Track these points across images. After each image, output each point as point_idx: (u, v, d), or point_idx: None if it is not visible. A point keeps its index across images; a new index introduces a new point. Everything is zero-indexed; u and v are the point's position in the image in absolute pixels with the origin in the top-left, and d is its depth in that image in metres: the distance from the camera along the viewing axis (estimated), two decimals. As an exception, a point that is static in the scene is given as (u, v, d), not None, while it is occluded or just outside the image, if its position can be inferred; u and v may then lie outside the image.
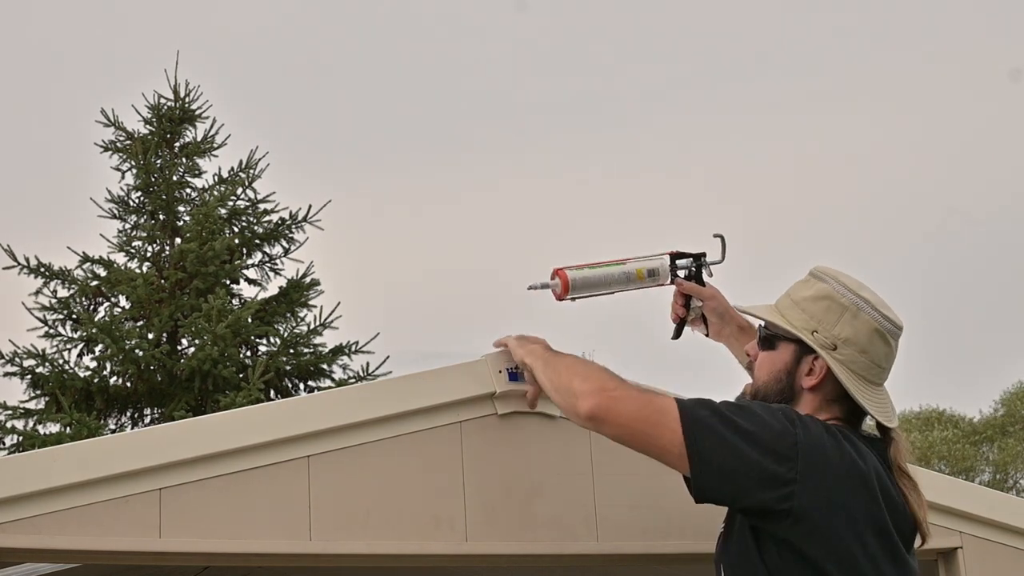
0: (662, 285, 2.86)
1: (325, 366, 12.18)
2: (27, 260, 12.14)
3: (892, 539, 2.34)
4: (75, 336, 11.97)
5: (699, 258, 2.87)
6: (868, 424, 2.52)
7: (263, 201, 12.80)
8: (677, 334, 2.94)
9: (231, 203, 12.64)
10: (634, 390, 2.39)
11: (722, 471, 2.28)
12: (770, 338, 2.50)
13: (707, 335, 2.94)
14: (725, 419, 2.30)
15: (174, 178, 12.61)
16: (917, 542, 2.43)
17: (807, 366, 2.43)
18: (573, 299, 2.77)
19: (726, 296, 2.89)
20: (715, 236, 2.88)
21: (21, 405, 11.72)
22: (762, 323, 2.52)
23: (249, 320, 11.80)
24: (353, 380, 12.12)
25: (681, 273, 2.86)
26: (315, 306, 12.49)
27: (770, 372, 2.49)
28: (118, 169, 12.81)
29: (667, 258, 2.85)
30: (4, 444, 11.58)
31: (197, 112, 12.96)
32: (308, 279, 12.64)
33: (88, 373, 11.82)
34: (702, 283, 2.88)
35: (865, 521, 2.31)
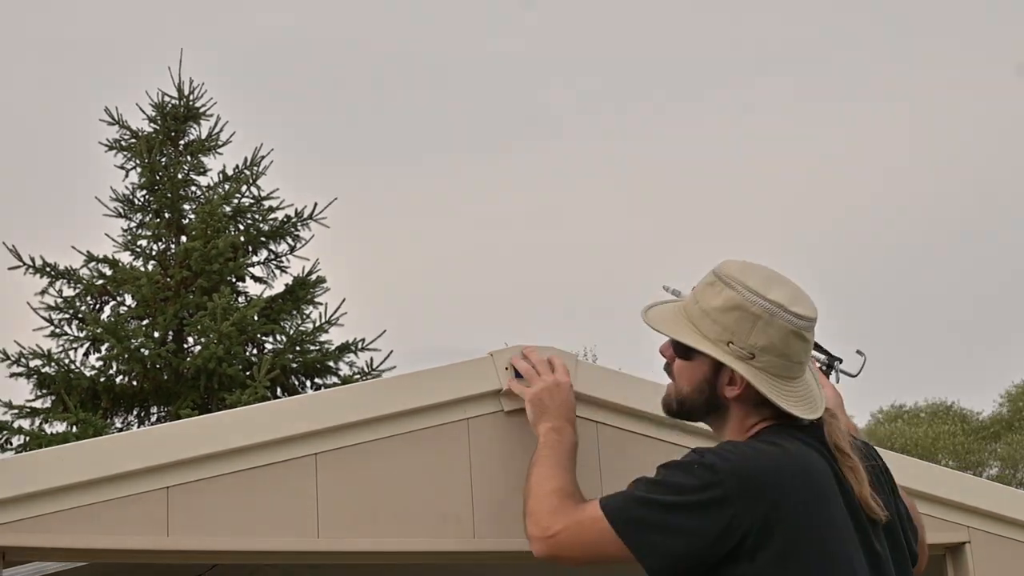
0: None
1: (331, 363, 12.20)
2: (32, 260, 12.17)
3: (849, 530, 2.30)
4: (81, 335, 12.00)
5: (834, 359, 2.91)
6: None
7: (268, 198, 12.82)
8: None
9: (236, 201, 12.65)
10: (569, 515, 2.41)
11: (673, 554, 2.27)
12: (685, 348, 2.45)
13: None
14: (650, 504, 2.29)
15: (179, 176, 12.62)
16: (884, 516, 2.35)
17: (727, 376, 2.39)
18: None
19: None
20: (858, 352, 2.94)
21: (27, 404, 11.75)
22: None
23: (255, 318, 11.82)
24: (359, 377, 12.13)
25: (817, 366, 2.91)
26: (321, 303, 12.53)
27: (691, 383, 2.45)
28: (123, 168, 12.85)
29: None
30: (11, 443, 11.62)
31: (201, 110, 12.98)
32: (314, 276, 12.66)
33: (94, 372, 11.85)
34: (826, 377, 2.92)
35: (822, 524, 2.26)
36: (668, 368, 2.51)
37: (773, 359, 2.35)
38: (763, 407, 2.38)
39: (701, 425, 2.55)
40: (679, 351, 2.45)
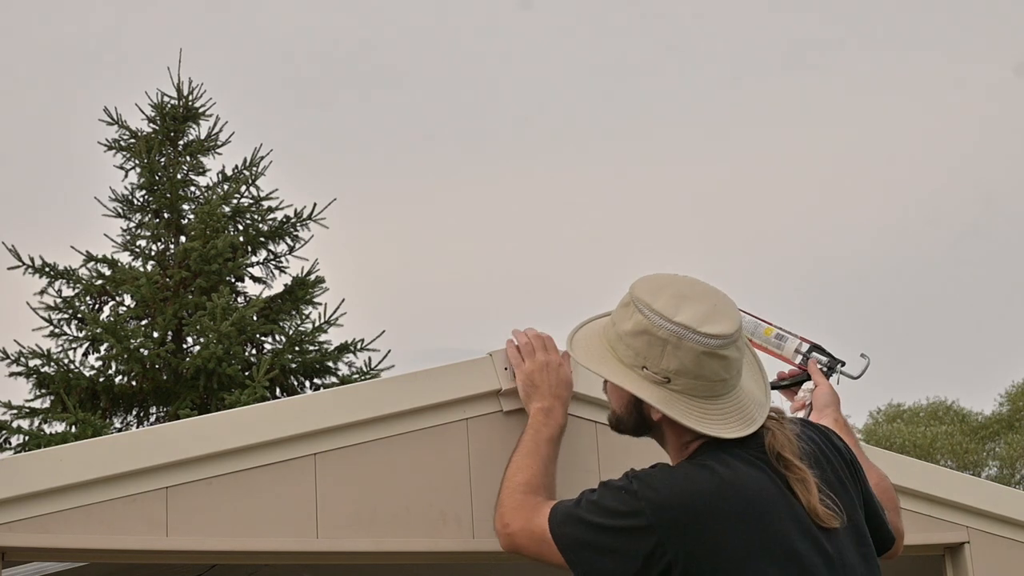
0: (786, 361, 2.98)
1: (330, 363, 12.20)
2: (32, 260, 12.16)
3: (790, 550, 2.24)
4: (80, 335, 11.99)
5: (836, 361, 2.94)
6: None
7: (267, 199, 12.81)
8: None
9: (235, 201, 12.65)
10: (526, 515, 2.46)
11: (603, 572, 2.29)
12: None
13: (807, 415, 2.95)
14: (583, 523, 2.31)
15: (178, 176, 12.61)
16: (836, 522, 2.30)
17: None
18: None
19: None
20: (862, 356, 2.96)
21: (26, 404, 11.74)
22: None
23: (254, 318, 11.82)
24: (358, 377, 12.13)
25: (818, 367, 2.96)
26: (320, 304, 12.52)
27: (620, 406, 2.44)
28: (122, 168, 12.83)
29: (805, 344, 2.95)
30: (10, 444, 11.61)
31: (200, 110, 12.97)
32: (313, 277, 12.65)
33: (93, 372, 11.84)
34: (827, 378, 2.96)
35: (757, 547, 2.23)
36: (604, 386, 2.51)
37: (689, 381, 2.31)
38: None
39: None
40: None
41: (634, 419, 2.42)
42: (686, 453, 2.37)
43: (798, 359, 2.95)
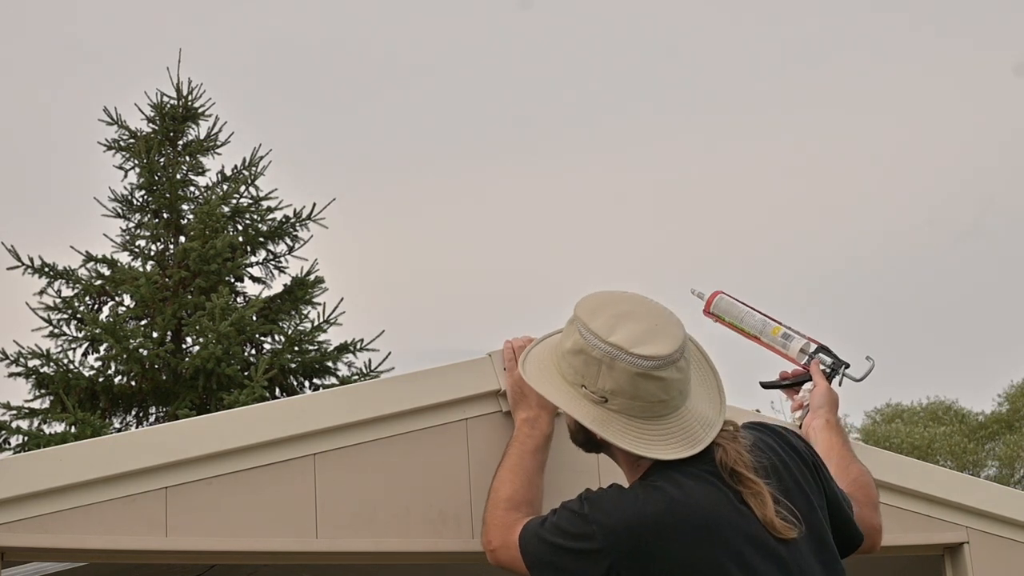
0: (791, 361, 3.00)
1: (330, 363, 12.20)
2: (31, 260, 12.16)
3: (746, 567, 2.24)
4: (79, 335, 11.99)
5: (840, 363, 2.95)
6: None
7: (266, 198, 12.82)
8: (769, 384, 3.07)
9: (234, 201, 12.65)
10: (504, 533, 2.50)
11: None
12: None
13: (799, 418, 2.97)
14: (544, 542, 2.35)
15: (177, 176, 12.62)
16: (794, 533, 2.29)
17: None
18: (714, 318, 3.05)
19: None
20: (867, 359, 2.97)
21: (26, 405, 11.74)
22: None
23: (253, 318, 11.82)
24: (358, 377, 12.13)
25: (822, 367, 2.97)
26: (319, 304, 12.52)
27: (571, 423, 2.47)
28: (121, 168, 12.83)
29: (812, 345, 2.97)
30: (9, 444, 11.61)
31: (200, 110, 12.97)
32: (312, 277, 12.65)
33: (92, 372, 11.84)
34: (829, 380, 2.97)
35: (710, 567, 2.23)
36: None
37: (626, 402, 2.31)
38: None
39: None
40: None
41: (582, 436, 2.45)
42: (638, 472, 2.37)
43: (803, 359, 2.96)
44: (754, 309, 3.03)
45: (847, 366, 2.96)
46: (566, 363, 2.38)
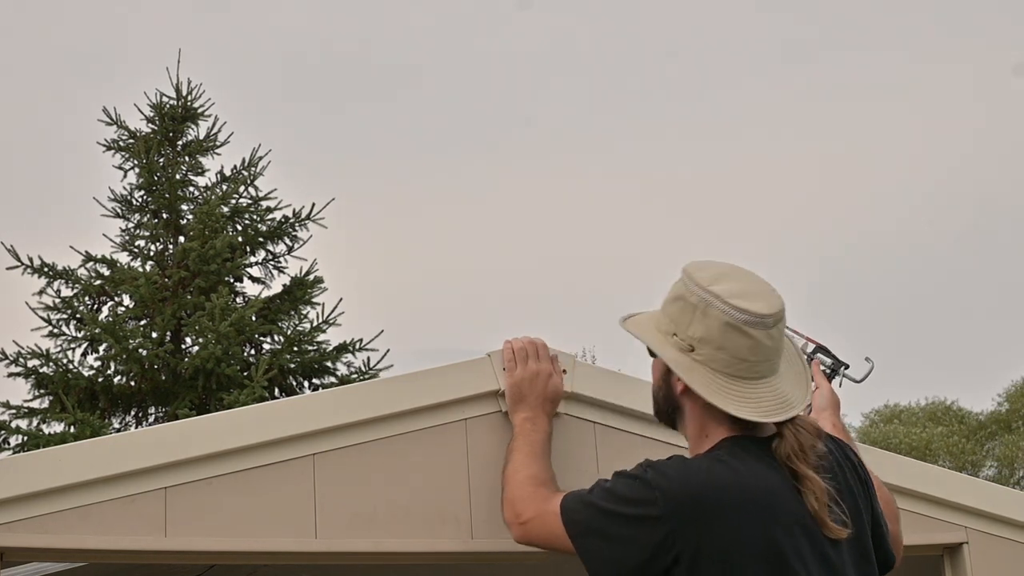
0: None
1: (329, 363, 12.20)
2: (30, 260, 12.16)
3: (795, 555, 2.24)
4: (79, 336, 11.99)
5: (840, 364, 2.95)
6: None
7: (265, 199, 12.82)
8: None
9: (234, 201, 12.65)
10: (539, 505, 2.47)
11: (610, 560, 2.29)
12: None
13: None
14: (595, 509, 2.33)
15: (177, 176, 12.62)
16: (844, 533, 2.30)
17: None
18: None
19: None
20: (866, 359, 2.97)
21: (25, 405, 11.74)
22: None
23: (253, 318, 11.81)
24: (357, 377, 12.13)
25: (822, 368, 2.98)
26: (318, 304, 12.52)
27: (654, 380, 2.48)
28: (121, 168, 12.84)
29: (811, 344, 2.98)
30: (9, 444, 11.61)
31: (199, 110, 12.97)
32: (311, 277, 12.65)
33: (92, 372, 11.84)
34: (829, 381, 2.97)
35: (763, 548, 2.23)
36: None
37: (713, 352, 2.32)
38: (715, 408, 2.33)
39: None
40: (649, 349, 2.46)
41: (664, 395, 2.44)
42: (704, 446, 2.37)
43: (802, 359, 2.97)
44: None
45: (847, 367, 2.96)
46: (662, 313, 2.41)
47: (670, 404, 2.43)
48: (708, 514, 2.23)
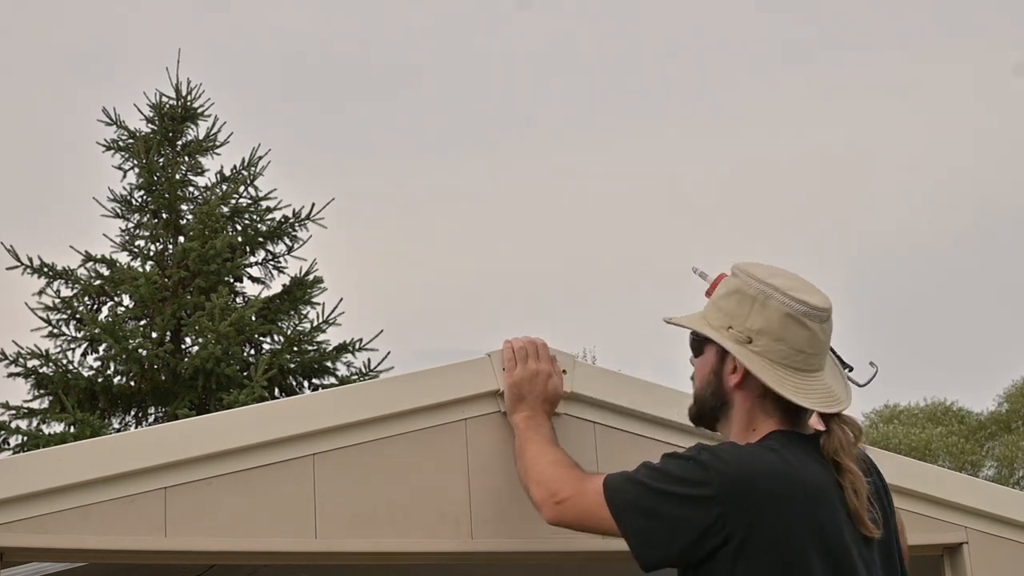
0: None
1: (329, 363, 12.20)
2: (30, 260, 12.16)
3: (839, 548, 2.27)
4: (78, 336, 11.99)
5: (845, 366, 2.95)
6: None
7: (265, 199, 12.83)
8: None
9: (233, 201, 12.66)
10: (575, 484, 2.45)
11: (655, 539, 2.29)
12: (696, 344, 2.48)
13: None
14: (643, 487, 2.32)
15: (176, 176, 12.62)
16: (877, 533, 2.34)
17: (731, 365, 2.39)
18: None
19: None
20: (871, 364, 2.96)
21: (25, 405, 11.74)
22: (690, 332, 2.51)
23: (252, 318, 11.81)
24: (357, 377, 12.13)
25: None
26: (318, 304, 12.52)
27: (701, 377, 2.47)
28: (120, 168, 12.84)
29: None
30: (8, 444, 11.61)
31: (199, 110, 12.98)
32: (311, 277, 12.65)
33: (92, 373, 11.84)
34: None
35: (810, 537, 2.25)
36: (692, 377, 2.53)
37: (771, 343, 2.34)
38: (767, 401, 2.37)
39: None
40: (693, 348, 2.49)
41: (713, 388, 2.43)
42: (751, 440, 2.37)
43: None
44: None
45: (850, 369, 2.95)
46: (714, 309, 2.42)
47: (719, 399, 2.43)
48: (761, 500, 2.24)
